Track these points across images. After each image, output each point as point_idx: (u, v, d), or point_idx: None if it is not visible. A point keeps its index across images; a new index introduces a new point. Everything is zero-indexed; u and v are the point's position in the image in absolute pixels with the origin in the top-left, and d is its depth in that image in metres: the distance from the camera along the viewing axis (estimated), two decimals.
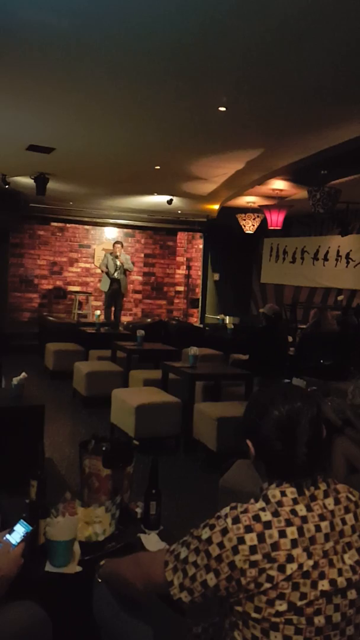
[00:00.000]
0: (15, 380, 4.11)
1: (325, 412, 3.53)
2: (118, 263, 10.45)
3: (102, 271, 10.64)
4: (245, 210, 9.12)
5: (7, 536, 1.62)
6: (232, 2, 2.87)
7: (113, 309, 10.71)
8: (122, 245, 10.79)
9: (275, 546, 1.26)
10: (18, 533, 1.62)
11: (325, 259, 9.71)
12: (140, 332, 6.83)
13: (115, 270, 10.46)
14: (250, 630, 1.29)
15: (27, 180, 8.25)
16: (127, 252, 12.29)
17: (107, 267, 10.50)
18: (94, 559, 1.87)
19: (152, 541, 2.10)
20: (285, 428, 1.34)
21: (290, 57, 3.54)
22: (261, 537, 1.27)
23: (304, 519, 1.30)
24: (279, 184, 7.36)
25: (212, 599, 1.35)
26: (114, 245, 10.73)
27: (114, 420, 5.31)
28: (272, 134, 5.44)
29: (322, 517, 1.32)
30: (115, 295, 10.63)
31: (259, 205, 8.63)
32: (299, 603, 1.26)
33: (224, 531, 1.29)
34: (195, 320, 12.60)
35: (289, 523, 1.29)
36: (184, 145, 6.05)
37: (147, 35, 3.33)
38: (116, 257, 10.46)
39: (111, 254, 10.60)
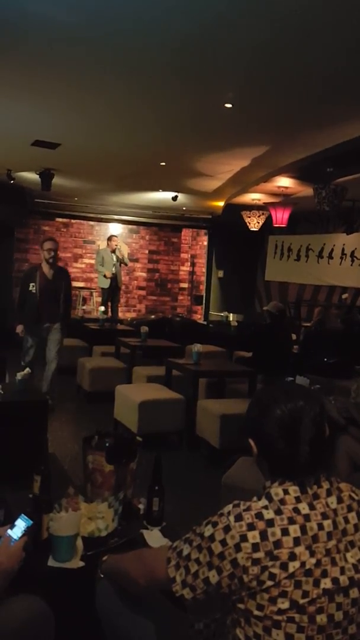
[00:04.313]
0: (19, 376, 4.13)
1: (329, 410, 3.52)
2: (114, 258, 10.31)
3: (99, 272, 10.38)
4: (250, 207, 9.11)
5: (9, 531, 1.63)
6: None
7: (110, 304, 10.61)
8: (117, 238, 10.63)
9: (277, 544, 1.27)
10: (19, 528, 1.63)
11: (330, 257, 9.69)
12: (144, 329, 6.83)
13: (113, 265, 10.30)
14: (252, 627, 1.29)
15: (32, 176, 8.25)
16: (132, 248, 12.26)
17: (103, 265, 10.28)
18: (96, 554, 1.88)
19: (154, 537, 2.10)
20: (287, 427, 1.34)
21: (297, 54, 3.53)
22: (264, 535, 1.27)
23: (307, 517, 1.30)
24: (284, 181, 7.34)
25: (214, 596, 1.35)
26: (109, 239, 10.49)
27: (117, 416, 5.32)
28: (278, 131, 5.42)
29: (324, 516, 1.32)
30: (112, 291, 10.54)
31: (264, 203, 8.62)
32: (301, 601, 1.26)
33: (227, 528, 1.30)
34: (199, 317, 12.61)
35: (291, 521, 1.29)
36: (190, 141, 6.04)
37: (154, 31, 3.33)
38: (113, 251, 10.29)
39: (108, 247, 10.45)
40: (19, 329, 5.70)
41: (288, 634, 1.26)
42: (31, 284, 5.62)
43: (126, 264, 10.74)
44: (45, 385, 5.77)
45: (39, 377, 5.26)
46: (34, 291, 5.59)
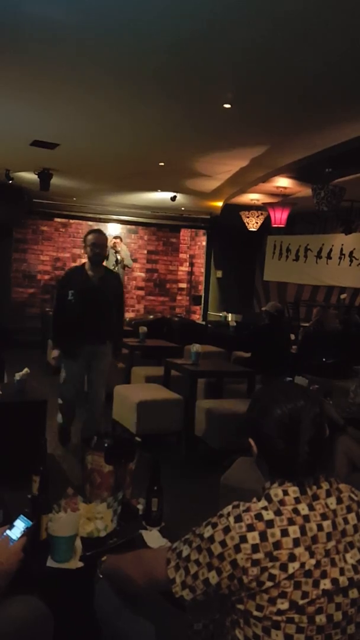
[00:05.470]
0: (17, 376, 4.12)
1: (328, 410, 3.52)
2: (119, 257, 10.40)
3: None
4: (249, 207, 9.11)
5: (8, 532, 1.63)
6: None
7: None
8: (120, 240, 10.74)
9: (277, 545, 1.27)
10: (18, 528, 1.63)
11: (329, 257, 9.70)
12: (143, 329, 6.83)
13: (115, 265, 10.38)
14: (252, 628, 1.29)
15: (31, 176, 8.24)
16: (130, 248, 12.25)
17: (106, 262, 10.43)
18: (95, 554, 1.88)
19: (153, 538, 2.10)
20: (287, 427, 1.34)
21: (295, 54, 3.53)
22: (263, 536, 1.27)
23: (306, 518, 1.30)
24: (283, 182, 7.34)
25: (214, 597, 1.35)
26: (112, 240, 10.71)
27: (116, 417, 5.31)
28: (276, 131, 5.42)
29: (324, 516, 1.32)
30: None
31: (262, 203, 8.62)
32: (301, 602, 1.26)
33: (226, 529, 1.30)
34: (197, 318, 12.60)
35: (291, 522, 1.29)
36: (189, 142, 6.04)
37: (152, 31, 3.32)
38: (116, 252, 10.42)
39: (111, 248, 10.57)
40: (54, 354, 4.47)
41: (287, 634, 1.26)
42: (70, 292, 4.27)
43: (128, 266, 10.79)
44: (86, 431, 4.35)
45: (36, 378, 5.21)
46: (73, 301, 4.25)
